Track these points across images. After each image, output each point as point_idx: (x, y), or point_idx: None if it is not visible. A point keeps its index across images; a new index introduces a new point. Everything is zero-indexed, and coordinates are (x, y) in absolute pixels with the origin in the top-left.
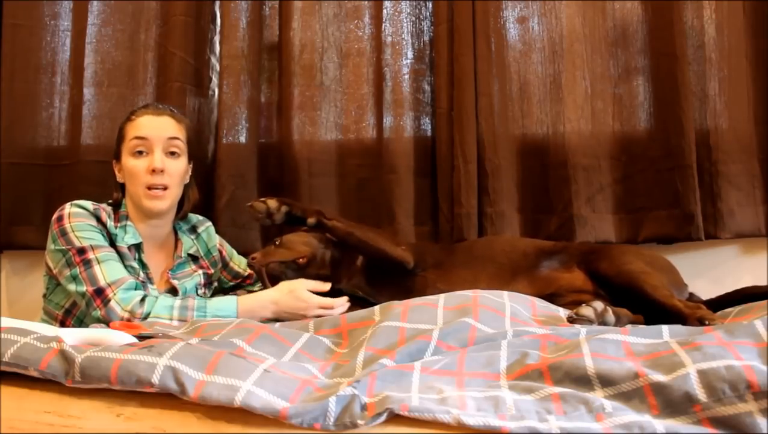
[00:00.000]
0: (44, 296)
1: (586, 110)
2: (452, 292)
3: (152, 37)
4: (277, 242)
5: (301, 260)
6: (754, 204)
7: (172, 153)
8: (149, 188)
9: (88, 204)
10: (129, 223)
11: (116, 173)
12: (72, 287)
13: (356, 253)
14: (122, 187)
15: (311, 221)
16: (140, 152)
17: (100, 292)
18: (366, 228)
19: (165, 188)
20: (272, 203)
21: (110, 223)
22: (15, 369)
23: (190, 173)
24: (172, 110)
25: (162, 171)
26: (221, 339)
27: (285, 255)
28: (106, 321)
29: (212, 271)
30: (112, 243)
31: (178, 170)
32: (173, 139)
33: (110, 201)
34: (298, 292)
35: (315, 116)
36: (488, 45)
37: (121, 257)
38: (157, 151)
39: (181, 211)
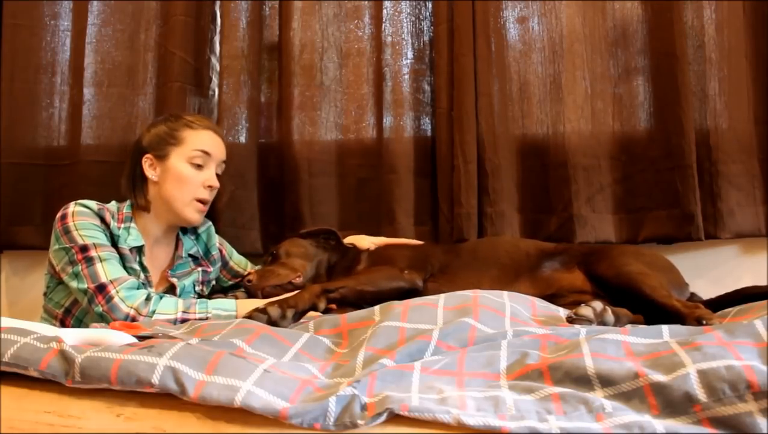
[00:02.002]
0: (45, 294)
1: (586, 110)
2: (453, 292)
3: (152, 37)
4: (273, 253)
5: (296, 279)
6: (754, 204)
7: (217, 174)
8: (197, 200)
9: (93, 204)
10: (132, 225)
11: (146, 168)
12: (74, 284)
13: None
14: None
15: (322, 307)
16: (198, 165)
17: (102, 288)
18: (370, 276)
19: (206, 203)
20: (274, 311)
21: (114, 224)
22: (15, 369)
23: None
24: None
25: (216, 189)
26: (221, 339)
27: (281, 277)
28: (107, 319)
29: (211, 269)
30: (114, 244)
31: (217, 190)
32: (223, 162)
33: (140, 201)
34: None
35: (315, 116)
36: (488, 45)
37: (123, 258)
38: (212, 168)
39: None
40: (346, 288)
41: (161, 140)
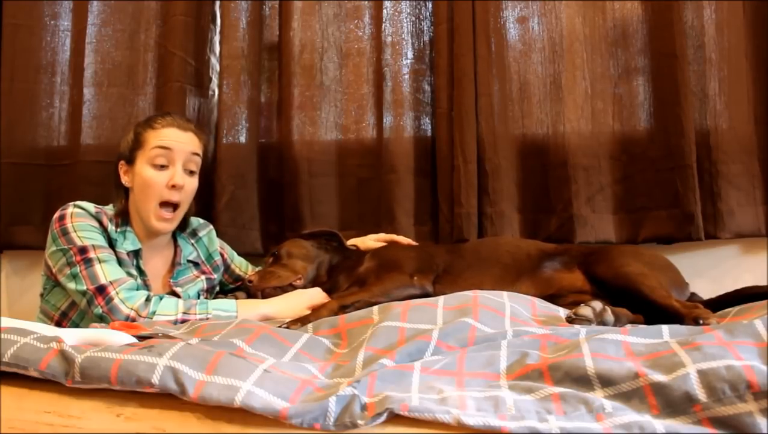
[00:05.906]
0: (41, 295)
1: (586, 110)
2: (453, 292)
3: (152, 37)
4: (274, 254)
5: (297, 281)
6: (754, 204)
7: (191, 171)
8: (162, 204)
9: (90, 206)
10: (129, 229)
11: (122, 175)
12: (72, 285)
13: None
14: (126, 191)
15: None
16: (161, 165)
17: (101, 289)
18: (382, 287)
19: (177, 206)
20: (296, 328)
21: (111, 227)
22: (15, 369)
23: None
24: (195, 125)
25: (182, 187)
26: (221, 339)
27: (282, 279)
28: (107, 320)
29: (215, 276)
30: (112, 248)
31: (192, 188)
32: (195, 155)
33: (116, 208)
34: (299, 306)
35: (315, 115)
36: (488, 45)
37: (120, 262)
38: (178, 165)
39: (182, 223)
40: (361, 302)
41: (129, 145)
